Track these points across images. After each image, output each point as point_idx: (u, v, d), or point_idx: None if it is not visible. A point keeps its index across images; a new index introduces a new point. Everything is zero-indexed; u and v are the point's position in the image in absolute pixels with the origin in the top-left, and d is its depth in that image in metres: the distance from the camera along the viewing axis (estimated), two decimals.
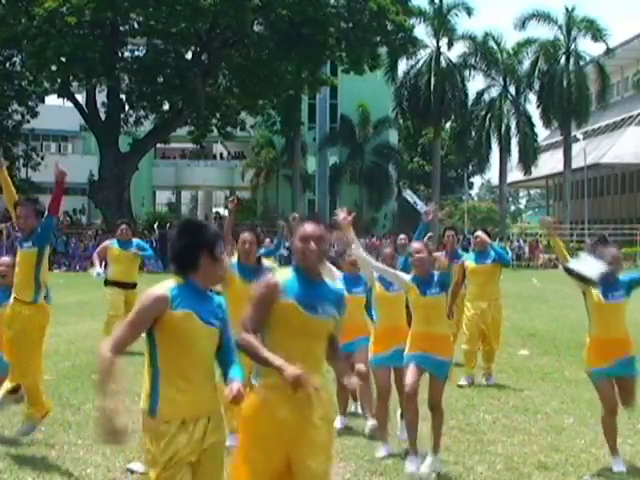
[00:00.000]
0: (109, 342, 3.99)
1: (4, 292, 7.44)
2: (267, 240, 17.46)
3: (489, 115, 51.86)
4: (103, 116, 44.91)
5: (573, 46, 51.91)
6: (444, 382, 6.65)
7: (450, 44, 51.55)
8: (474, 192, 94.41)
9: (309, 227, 4.31)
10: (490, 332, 10.69)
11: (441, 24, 50.71)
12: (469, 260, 10.74)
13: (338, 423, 7.56)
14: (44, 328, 7.47)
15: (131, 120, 46.04)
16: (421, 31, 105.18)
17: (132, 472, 6.52)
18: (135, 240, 13.28)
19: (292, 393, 4.05)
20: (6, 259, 7.47)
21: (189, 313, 3.93)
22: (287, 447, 4.19)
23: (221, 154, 63.73)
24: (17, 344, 7.20)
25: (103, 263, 12.84)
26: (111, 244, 13.05)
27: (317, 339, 4.26)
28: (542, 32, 54.73)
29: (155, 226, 45.90)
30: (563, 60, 51.77)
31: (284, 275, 4.31)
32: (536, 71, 51.49)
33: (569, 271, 6.71)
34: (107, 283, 13.09)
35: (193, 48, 44.81)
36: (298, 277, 4.28)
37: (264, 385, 4.23)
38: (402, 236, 11.08)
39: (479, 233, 10.94)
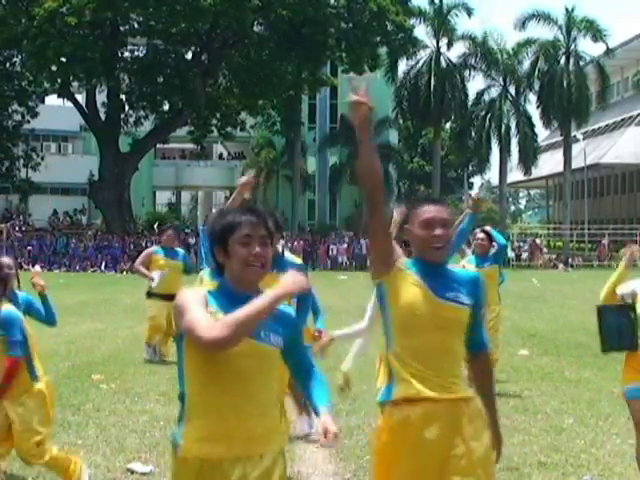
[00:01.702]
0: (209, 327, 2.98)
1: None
2: None
3: (489, 115, 51.85)
4: (103, 116, 44.94)
5: (573, 46, 51.89)
6: None
7: (450, 44, 51.56)
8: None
9: (432, 209, 3.61)
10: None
11: (441, 24, 50.70)
12: (470, 263, 10.20)
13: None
14: None
15: (131, 120, 46.08)
16: (421, 31, 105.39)
17: (132, 472, 6.53)
18: (180, 251, 11.85)
19: (436, 404, 3.48)
20: (6, 260, 6.57)
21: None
22: (441, 473, 3.52)
23: (221, 154, 63.73)
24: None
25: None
26: (155, 252, 11.76)
27: (451, 332, 3.58)
28: (542, 32, 54.80)
29: (155, 226, 45.94)
30: (563, 60, 51.76)
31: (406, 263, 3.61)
32: (536, 71, 51.47)
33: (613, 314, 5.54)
34: (149, 295, 11.81)
35: (193, 48, 44.85)
36: (421, 267, 3.58)
37: (401, 400, 3.54)
38: (481, 235, 10.24)
39: (480, 235, 10.42)
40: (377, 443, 3.66)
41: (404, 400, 3.52)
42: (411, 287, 3.54)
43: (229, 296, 3.15)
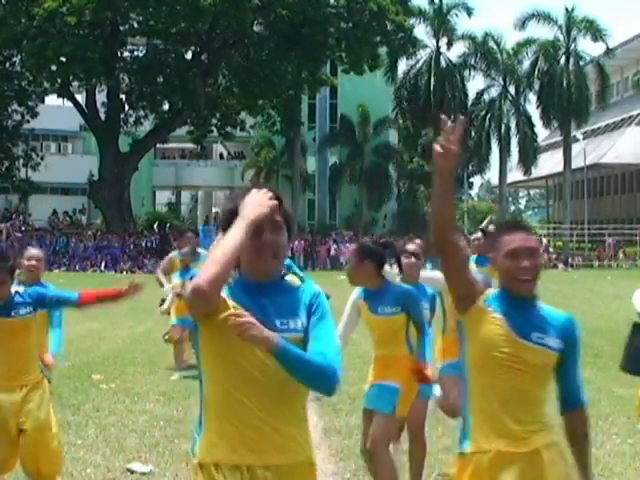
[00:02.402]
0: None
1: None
2: None
3: (489, 115, 51.87)
4: (103, 116, 44.95)
5: (573, 46, 51.90)
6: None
7: (450, 44, 51.57)
8: (474, 192, 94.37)
9: (517, 237, 3.25)
10: None
11: (441, 24, 50.71)
12: (471, 262, 10.05)
13: None
14: None
15: (131, 120, 46.08)
16: (421, 31, 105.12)
17: (132, 472, 6.52)
18: (202, 252, 11.29)
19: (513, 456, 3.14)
20: (36, 252, 6.30)
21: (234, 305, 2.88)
22: None
23: (221, 154, 63.72)
24: None
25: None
26: (176, 257, 11.39)
27: (534, 377, 3.21)
28: (542, 32, 54.77)
29: (155, 226, 45.94)
30: (563, 60, 51.77)
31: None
32: (536, 71, 51.49)
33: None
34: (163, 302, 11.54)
35: (193, 48, 44.86)
36: (505, 302, 3.23)
37: (475, 452, 3.20)
38: (478, 235, 9.95)
39: (478, 235, 10.26)
40: None
41: (477, 452, 3.18)
42: (490, 325, 3.20)
43: (244, 288, 2.88)
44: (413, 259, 5.95)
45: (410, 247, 5.97)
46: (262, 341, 2.71)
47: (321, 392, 2.94)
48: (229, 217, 2.89)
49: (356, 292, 5.58)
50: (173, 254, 11.71)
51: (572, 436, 3.27)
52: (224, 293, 2.82)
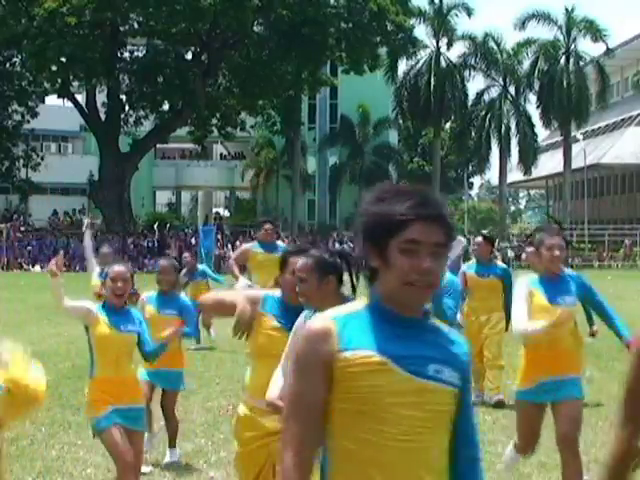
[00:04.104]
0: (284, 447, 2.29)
1: (122, 316, 5.48)
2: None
3: (489, 115, 51.86)
4: (103, 116, 44.96)
5: (573, 46, 51.90)
6: None
7: (450, 44, 51.56)
8: (474, 192, 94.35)
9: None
10: (486, 350, 9.69)
11: (441, 24, 50.70)
12: (470, 271, 9.56)
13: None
14: None
15: (131, 120, 46.09)
16: (421, 31, 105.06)
17: None
18: (281, 244, 10.72)
19: None
20: (123, 269, 5.48)
21: (374, 357, 2.27)
22: None
23: (221, 154, 63.71)
24: None
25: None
26: (252, 247, 10.58)
27: None
28: (542, 32, 54.67)
29: (155, 226, 45.93)
30: (563, 60, 51.77)
31: None
32: (536, 71, 51.48)
33: None
34: None
35: (193, 48, 44.89)
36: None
37: None
38: (479, 240, 9.72)
39: (478, 239, 9.86)
40: None
41: None
42: None
43: (386, 318, 2.30)
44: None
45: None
46: None
47: None
48: (380, 231, 2.27)
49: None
50: (249, 244, 10.90)
51: None
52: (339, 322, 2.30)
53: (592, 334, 8.77)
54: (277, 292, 4.58)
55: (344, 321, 2.29)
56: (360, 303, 2.36)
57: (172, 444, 7.13)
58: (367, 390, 2.23)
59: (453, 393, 2.32)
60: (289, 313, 4.33)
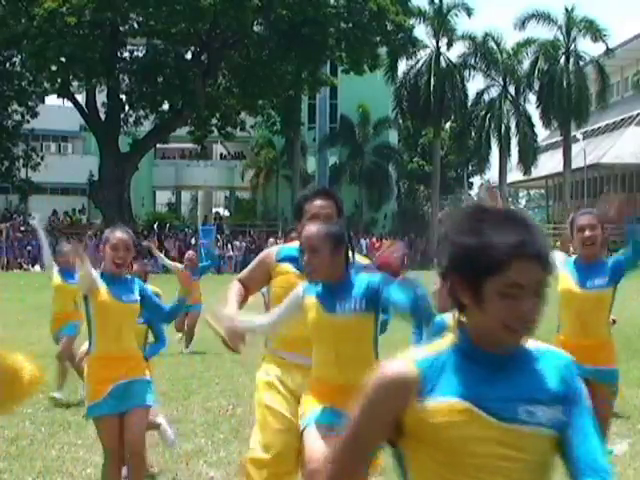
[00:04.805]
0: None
1: (123, 285, 5.26)
2: (271, 240, 17.33)
3: (489, 115, 51.84)
4: (103, 116, 44.96)
5: (573, 46, 51.88)
6: None
7: (450, 44, 51.54)
8: (474, 192, 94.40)
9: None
10: None
11: (441, 24, 50.67)
12: None
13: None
14: None
15: (131, 120, 46.11)
16: (421, 31, 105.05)
17: None
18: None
19: None
20: (125, 236, 5.20)
21: (457, 405, 2.01)
22: None
23: (221, 154, 63.72)
24: None
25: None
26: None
27: None
28: (542, 32, 54.66)
29: (155, 226, 45.94)
30: (563, 60, 51.75)
31: None
32: (536, 71, 51.47)
33: None
34: None
35: (193, 48, 44.90)
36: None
37: None
38: None
39: None
40: None
41: None
42: None
43: (474, 359, 2.03)
44: None
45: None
46: None
47: None
48: (476, 269, 1.96)
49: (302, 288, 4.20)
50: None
51: None
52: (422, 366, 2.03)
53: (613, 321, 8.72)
54: (293, 243, 4.44)
55: (428, 367, 2.01)
56: (446, 341, 2.07)
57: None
58: (450, 441, 1.96)
59: (549, 436, 2.00)
60: (329, 289, 4.12)
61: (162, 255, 11.31)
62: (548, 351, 2.11)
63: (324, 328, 4.03)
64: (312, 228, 3.98)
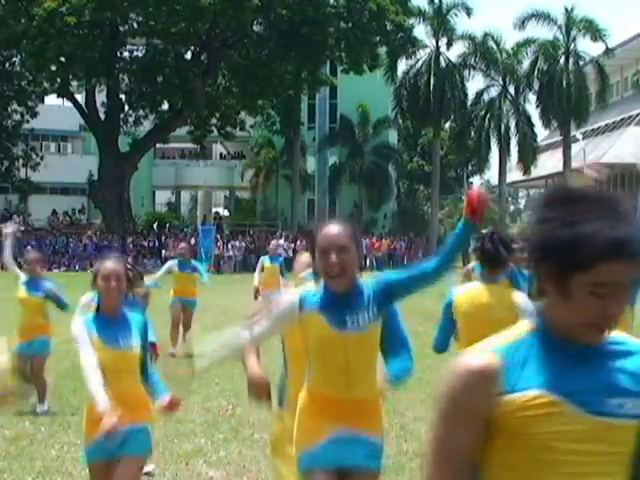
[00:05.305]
0: None
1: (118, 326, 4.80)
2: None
3: (488, 115, 51.83)
4: (103, 116, 44.97)
5: (572, 46, 51.87)
6: None
7: (449, 44, 51.53)
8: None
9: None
10: None
11: (440, 24, 50.67)
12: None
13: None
14: None
15: (131, 120, 46.13)
16: (421, 31, 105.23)
17: None
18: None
19: None
20: (115, 266, 4.85)
21: (546, 397, 1.90)
22: None
23: (221, 154, 63.72)
24: None
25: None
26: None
27: None
28: (541, 32, 54.68)
29: (155, 226, 45.95)
30: (562, 60, 51.75)
31: None
32: (535, 71, 51.46)
33: None
34: None
35: (193, 48, 44.91)
36: None
37: None
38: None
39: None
40: None
41: None
42: None
43: (556, 348, 1.92)
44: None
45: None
46: None
47: None
48: (567, 263, 1.84)
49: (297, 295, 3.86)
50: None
51: None
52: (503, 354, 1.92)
53: None
54: (310, 285, 3.85)
55: (509, 354, 1.89)
56: (521, 328, 1.96)
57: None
58: (541, 437, 1.86)
59: (635, 428, 1.92)
60: (335, 300, 3.72)
61: (153, 276, 11.34)
62: (633, 343, 2.00)
63: (333, 346, 3.70)
64: (335, 227, 3.72)
